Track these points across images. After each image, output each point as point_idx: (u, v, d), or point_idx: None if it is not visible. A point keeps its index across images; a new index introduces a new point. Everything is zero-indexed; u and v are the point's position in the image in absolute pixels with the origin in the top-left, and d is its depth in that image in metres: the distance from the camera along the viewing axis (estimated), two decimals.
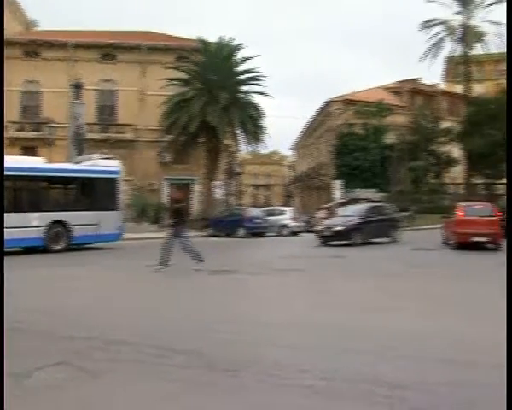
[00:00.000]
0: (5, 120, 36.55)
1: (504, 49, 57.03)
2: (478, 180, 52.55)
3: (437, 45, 54.68)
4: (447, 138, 50.84)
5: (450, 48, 55.82)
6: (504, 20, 52.33)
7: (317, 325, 8.94)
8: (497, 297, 12.11)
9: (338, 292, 12.72)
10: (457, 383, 6.08)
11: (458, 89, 57.24)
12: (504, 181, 51.97)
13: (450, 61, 60.11)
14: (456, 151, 52.12)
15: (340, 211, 30.42)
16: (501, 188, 51.54)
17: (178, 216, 16.79)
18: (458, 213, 24.54)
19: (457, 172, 53.77)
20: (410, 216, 39.62)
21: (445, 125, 51.98)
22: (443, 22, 54.46)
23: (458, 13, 54.22)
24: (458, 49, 54.96)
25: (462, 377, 6.34)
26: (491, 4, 53.22)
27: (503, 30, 52.66)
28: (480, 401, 5.59)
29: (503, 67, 68.77)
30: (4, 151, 26.10)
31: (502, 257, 18.41)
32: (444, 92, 60.62)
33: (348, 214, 27.28)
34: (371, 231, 26.00)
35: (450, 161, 51.31)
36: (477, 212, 24.13)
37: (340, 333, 8.36)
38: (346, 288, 13.30)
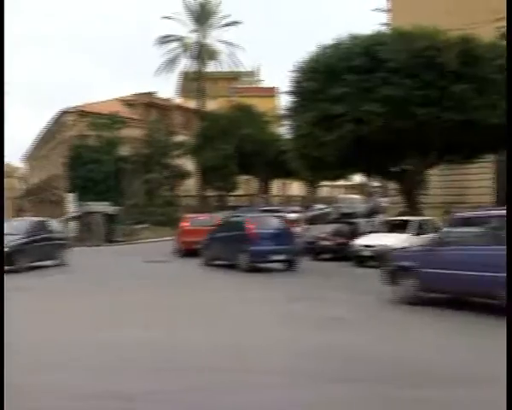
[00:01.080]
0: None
1: (235, 69, 60.66)
2: (210, 193, 54.73)
3: (173, 61, 55.98)
4: (181, 151, 52.00)
5: (185, 64, 57.36)
6: (235, 42, 56.21)
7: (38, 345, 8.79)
8: (211, 302, 13.00)
9: (67, 309, 12.45)
10: (187, 389, 6.46)
11: (192, 104, 58.92)
12: (235, 193, 55.35)
13: (186, 76, 61.77)
14: (189, 164, 53.56)
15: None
16: (232, 200, 54.44)
17: None
18: (184, 224, 27.54)
19: (191, 185, 55.28)
20: (134, 229, 39.75)
21: (179, 138, 53.04)
22: (179, 39, 55.86)
23: (194, 31, 56.06)
24: (193, 66, 56.67)
25: (192, 382, 6.72)
26: (224, 25, 56.09)
27: (235, 50, 56.12)
28: (206, 404, 6.03)
29: (235, 84, 73.07)
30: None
31: None
32: (178, 107, 61.85)
33: (10, 232, 20.69)
34: (37, 253, 21.41)
35: (184, 174, 52.42)
36: (200, 222, 26.66)
37: (70, 350, 8.36)
38: (77, 305, 13.10)
